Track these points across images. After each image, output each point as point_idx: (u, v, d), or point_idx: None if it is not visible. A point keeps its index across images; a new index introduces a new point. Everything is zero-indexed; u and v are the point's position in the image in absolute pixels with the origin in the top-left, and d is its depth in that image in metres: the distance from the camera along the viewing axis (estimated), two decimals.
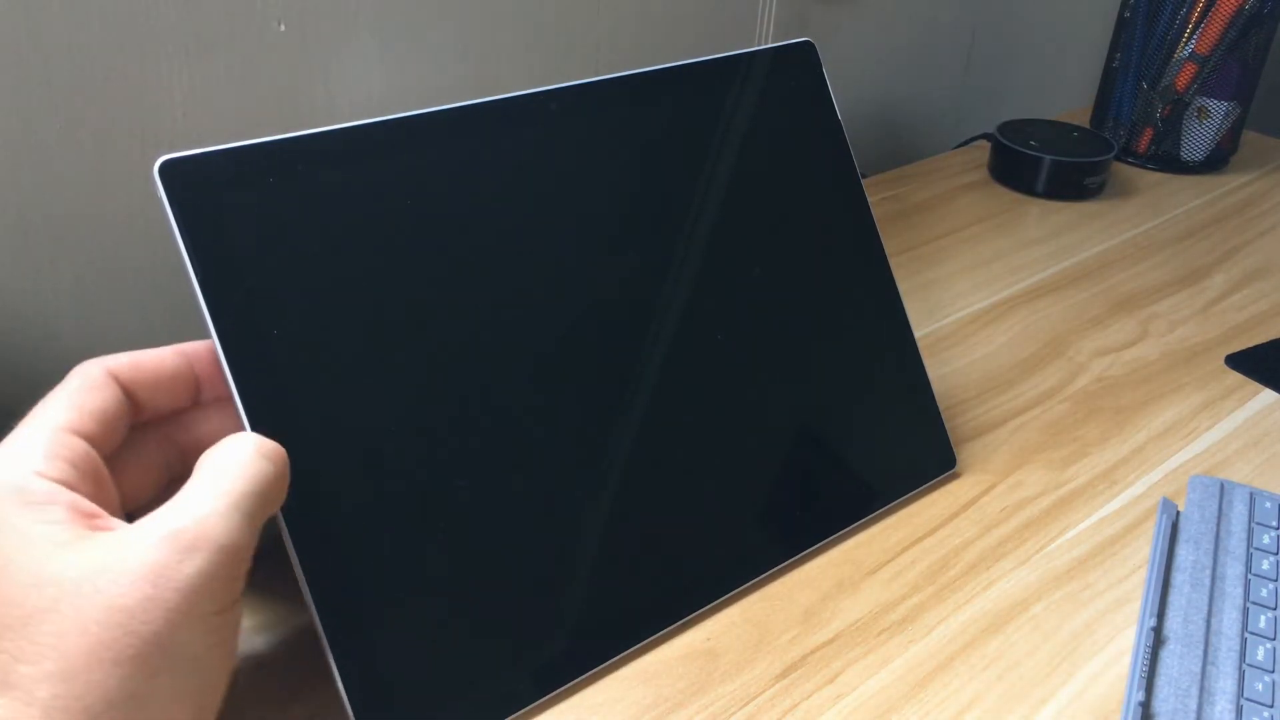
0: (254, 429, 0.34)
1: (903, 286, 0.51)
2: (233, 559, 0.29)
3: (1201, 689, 0.40)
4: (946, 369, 0.61)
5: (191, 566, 0.28)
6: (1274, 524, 0.48)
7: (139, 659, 0.27)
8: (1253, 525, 0.48)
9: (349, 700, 0.35)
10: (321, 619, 0.35)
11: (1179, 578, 0.46)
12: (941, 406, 0.52)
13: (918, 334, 0.52)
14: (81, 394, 0.32)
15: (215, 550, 0.29)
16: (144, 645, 0.27)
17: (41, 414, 0.31)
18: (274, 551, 0.34)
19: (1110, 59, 0.92)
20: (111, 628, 0.27)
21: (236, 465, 0.31)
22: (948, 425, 0.52)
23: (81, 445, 0.31)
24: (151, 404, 0.35)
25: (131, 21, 0.52)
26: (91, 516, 0.29)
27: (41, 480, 0.29)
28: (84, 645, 0.27)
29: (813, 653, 0.42)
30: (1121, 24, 0.90)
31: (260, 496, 0.31)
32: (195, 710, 0.29)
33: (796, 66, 0.49)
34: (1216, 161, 0.91)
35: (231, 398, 0.34)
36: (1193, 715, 0.39)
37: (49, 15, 0.50)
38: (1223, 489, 0.50)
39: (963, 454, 0.53)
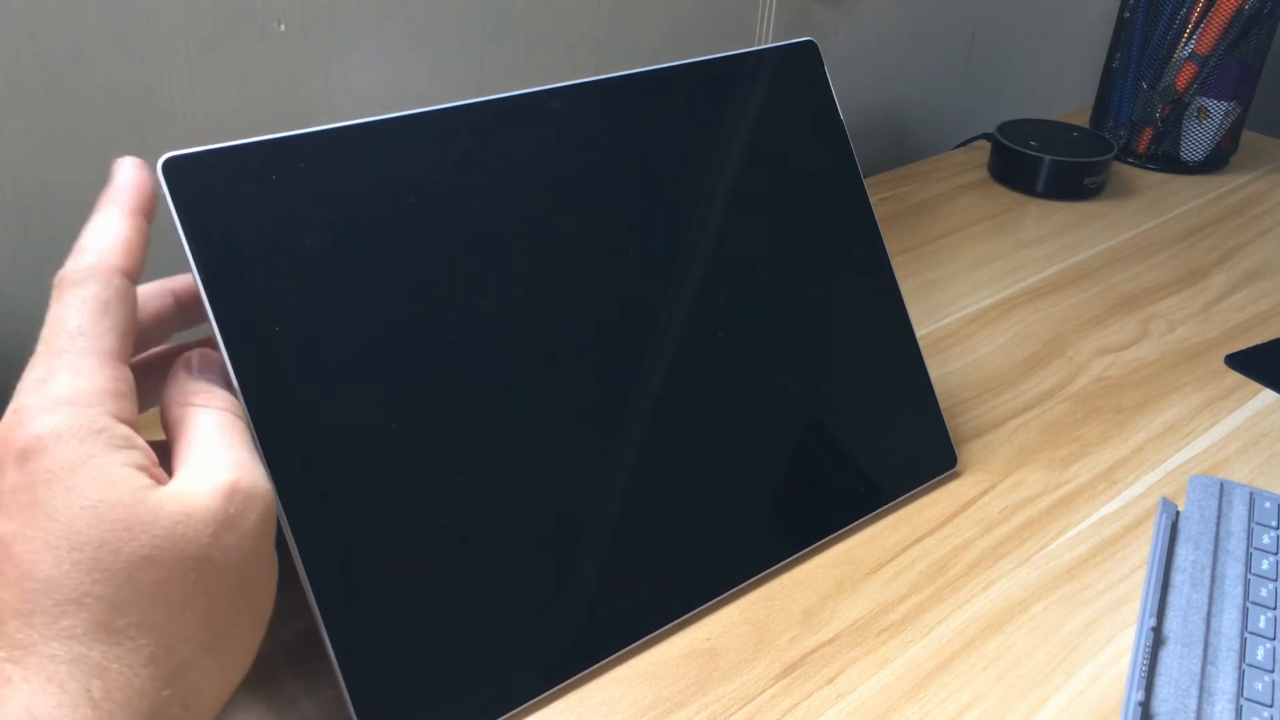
0: (256, 424, 0.34)
1: (903, 286, 0.51)
2: (271, 502, 0.31)
3: (1201, 689, 0.40)
4: (947, 369, 0.61)
5: (255, 514, 0.30)
6: (1274, 524, 0.48)
7: (227, 604, 0.29)
8: (1252, 525, 0.48)
9: (350, 697, 0.35)
10: (323, 616, 0.35)
11: (1179, 578, 0.46)
12: (942, 406, 0.52)
13: (918, 334, 0.52)
14: (116, 311, 0.30)
15: (264, 496, 0.31)
16: (231, 592, 0.29)
17: (83, 335, 0.29)
18: (276, 550, 0.34)
19: (1110, 59, 0.92)
20: (204, 575, 0.28)
21: (225, 425, 0.32)
22: (948, 425, 0.52)
23: (130, 376, 0.30)
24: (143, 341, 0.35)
25: (131, 22, 0.52)
26: (154, 463, 0.30)
27: (119, 423, 0.29)
28: (182, 594, 0.28)
29: (812, 653, 0.42)
30: (1121, 24, 0.90)
31: (248, 440, 0.32)
32: (258, 643, 0.31)
33: (799, 66, 0.49)
34: (1216, 161, 0.91)
35: (234, 393, 0.34)
36: (1192, 715, 0.39)
37: (49, 16, 0.50)
38: (1222, 489, 0.50)
39: (963, 453, 0.53)
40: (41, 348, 0.29)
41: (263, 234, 0.35)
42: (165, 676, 0.27)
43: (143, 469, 0.29)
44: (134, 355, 0.35)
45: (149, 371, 0.36)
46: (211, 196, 0.34)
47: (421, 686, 0.36)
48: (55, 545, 0.26)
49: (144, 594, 0.27)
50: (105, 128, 0.53)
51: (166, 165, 0.33)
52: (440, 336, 0.38)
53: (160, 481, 0.29)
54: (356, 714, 0.35)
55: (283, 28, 0.57)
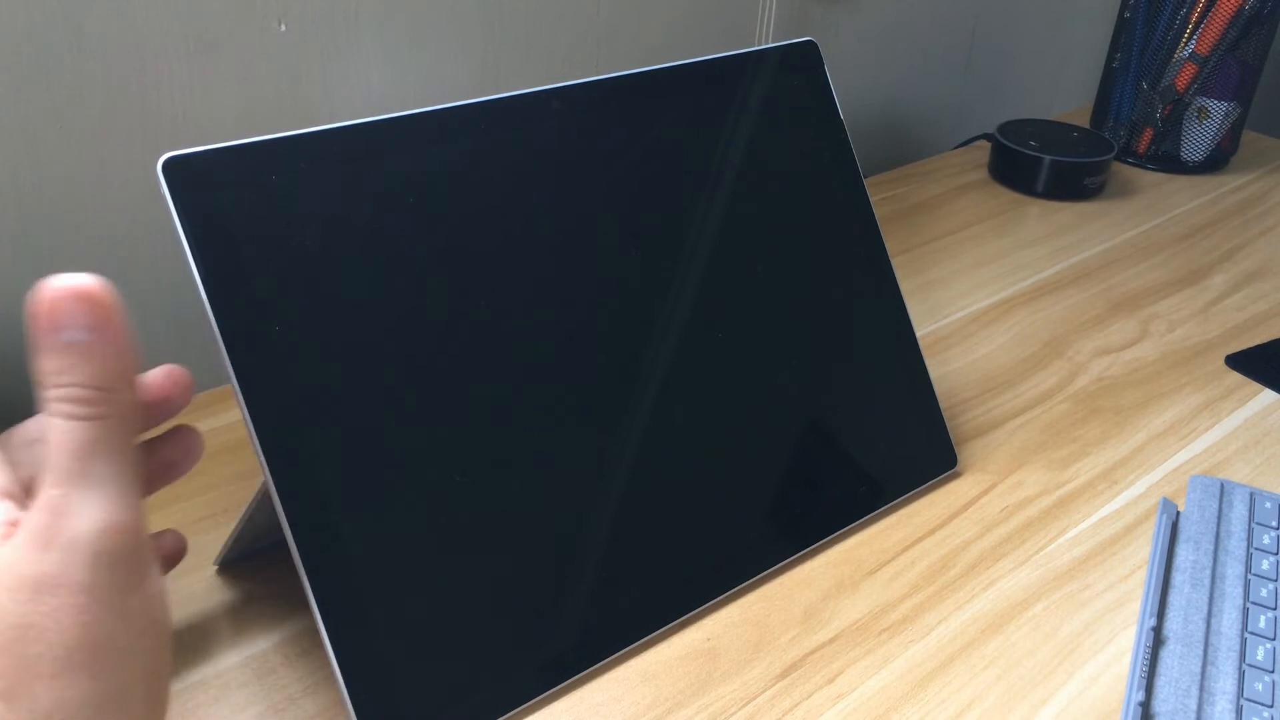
0: (255, 425, 0.34)
1: (903, 286, 0.51)
2: (123, 535, 0.26)
3: (1201, 689, 0.40)
4: (947, 369, 0.61)
5: (78, 569, 0.25)
6: (1274, 524, 0.48)
7: (72, 668, 0.25)
8: (1253, 525, 0.48)
9: (350, 698, 0.35)
10: (323, 616, 0.35)
11: (1179, 578, 0.46)
12: (942, 406, 0.52)
13: (918, 333, 0.52)
14: None
15: (88, 544, 0.26)
16: (72, 654, 0.25)
17: None
18: (276, 550, 0.34)
19: (1110, 59, 0.92)
20: (33, 642, 0.25)
21: (64, 435, 0.26)
22: (948, 425, 0.52)
23: None
24: None
25: (131, 21, 0.52)
26: (15, 502, 0.27)
27: None
28: (19, 664, 0.25)
29: (813, 653, 0.42)
30: (1121, 24, 0.90)
31: (106, 458, 0.26)
32: (146, 691, 0.27)
33: (799, 66, 0.49)
34: (1216, 161, 0.91)
35: (235, 394, 0.34)
36: (1193, 715, 0.39)
37: (49, 15, 0.50)
38: (1223, 489, 0.50)
39: (963, 454, 0.53)
40: None
41: (263, 234, 0.35)
42: None
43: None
44: None
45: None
46: (211, 196, 0.34)
47: (421, 686, 0.36)
48: None
49: None
50: (105, 127, 0.53)
51: (166, 165, 0.33)
52: (440, 336, 0.38)
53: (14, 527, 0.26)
54: (356, 714, 0.35)
55: (283, 28, 0.57)
